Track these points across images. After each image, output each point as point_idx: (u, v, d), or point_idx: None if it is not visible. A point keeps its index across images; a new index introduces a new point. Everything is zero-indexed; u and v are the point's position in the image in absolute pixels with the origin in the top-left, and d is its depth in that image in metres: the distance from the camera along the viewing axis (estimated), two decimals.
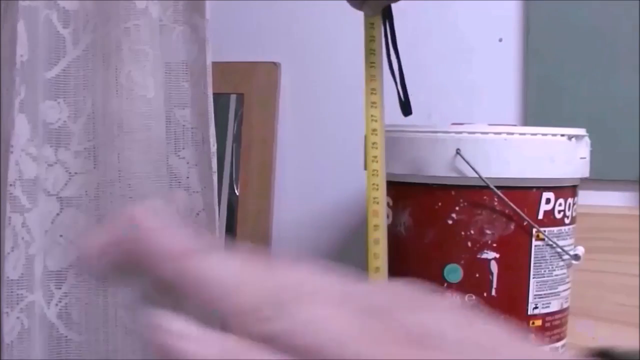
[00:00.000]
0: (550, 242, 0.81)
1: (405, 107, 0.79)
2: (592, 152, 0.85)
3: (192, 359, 0.25)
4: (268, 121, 1.10)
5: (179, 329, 0.26)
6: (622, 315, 0.96)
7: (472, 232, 0.79)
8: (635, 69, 0.98)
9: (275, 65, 1.11)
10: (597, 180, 0.97)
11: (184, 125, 0.82)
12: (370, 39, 0.75)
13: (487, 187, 0.78)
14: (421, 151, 0.79)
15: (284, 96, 1.12)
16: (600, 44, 1.00)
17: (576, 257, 0.83)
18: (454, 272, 0.79)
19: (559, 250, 0.81)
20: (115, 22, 0.77)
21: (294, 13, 1.12)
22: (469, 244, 0.79)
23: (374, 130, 0.74)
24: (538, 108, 1.02)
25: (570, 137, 0.81)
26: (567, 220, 0.82)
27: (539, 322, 0.81)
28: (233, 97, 1.12)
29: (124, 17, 0.77)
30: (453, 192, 0.79)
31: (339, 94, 1.11)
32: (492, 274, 0.79)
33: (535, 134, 0.79)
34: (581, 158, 0.82)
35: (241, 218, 1.10)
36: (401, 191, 0.82)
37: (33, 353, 0.74)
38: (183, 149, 0.82)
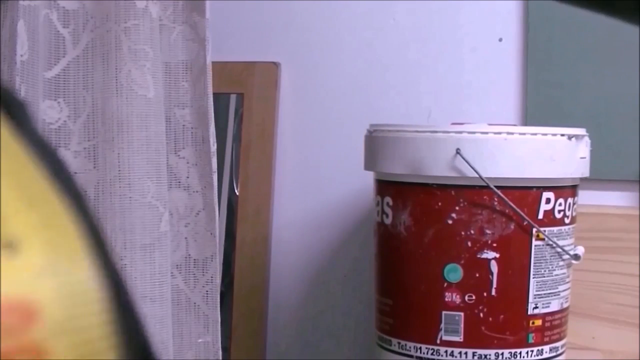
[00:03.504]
0: (550, 242, 0.81)
1: None
2: (592, 152, 0.85)
3: None
4: (268, 121, 1.10)
5: None
6: (622, 315, 0.96)
7: (472, 232, 0.79)
8: (635, 69, 0.98)
9: (275, 65, 1.11)
10: (597, 180, 0.97)
11: (183, 125, 0.82)
12: None
13: (487, 187, 0.78)
14: (421, 151, 0.79)
15: (283, 96, 1.12)
16: (600, 44, 1.00)
17: (576, 257, 0.83)
18: (454, 272, 0.79)
19: (559, 250, 0.81)
20: (115, 21, 0.77)
21: (294, 13, 1.12)
22: (469, 243, 0.79)
23: None
24: (538, 108, 1.02)
25: (570, 137, 0.81)
26: (567, 220, 0.82)
27: (539, 322, 0.81)
28: (233, 97, 1.12)
29: (124, 17, 0.77)
30: (453, 192, 0.79)
31: (339, 94, 1.11)
32: (492, 273, 0.79)
33: (535, 134, 0.79)
34: (581, 158, 0.82)
35: (241, 218, 1.10)
36: (401, 191, 0.82)
37: None
38: (183, 148, 0.82)
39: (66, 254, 0.19)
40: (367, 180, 0.93)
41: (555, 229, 0.81)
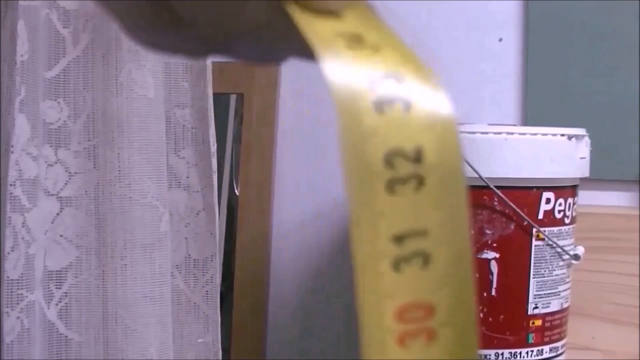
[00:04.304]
0: (550, 242, 0.81)
1: None
2: (592, 152, 0.85)
3: None
4: (268, 121, 1.10)
5: None
6: (622, 315, 0.96)
7: (472, 232, 0.79)
8: (635, 69, 0.98)
9: (275, 65, 1.11)
10: (597, 180, 0.97)
11: (184, 125, 0.82)
12: None
13: (487, 187, 0.78)
14: None
15: (284, 96, 1.12)
16: (600, 44, 1.00)
17: (576, 257, 0.83)
18: None
19: (559, 250, 0.81)
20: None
21: None
22: None
23: None
24: (538, 108, 1.02)
25: (570, 137, 0.81)
26: (567, 220, 0.82)
27: (539, 322, 0.81)
28: (233, 97, 1.12)
29: None
30: None
31: None
32: (492, 274, 0.79)
33: (535, 134, 0.79)
34: (581, 158, 0.82)
35: (241, 218, 1.10)
36: None
37: (33, 353, 0.74)
38: (183, 148, 0.82)
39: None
40: None
41: (555, 229, 0.81)
